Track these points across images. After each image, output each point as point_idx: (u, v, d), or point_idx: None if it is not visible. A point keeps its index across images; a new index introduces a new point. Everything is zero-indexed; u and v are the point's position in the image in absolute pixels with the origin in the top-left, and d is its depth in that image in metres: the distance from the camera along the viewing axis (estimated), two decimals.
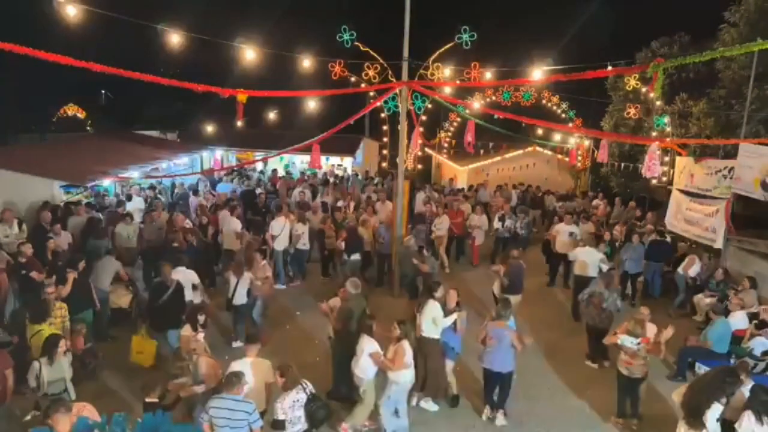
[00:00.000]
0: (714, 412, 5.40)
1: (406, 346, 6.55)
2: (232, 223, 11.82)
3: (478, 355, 7.23)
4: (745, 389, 5.83)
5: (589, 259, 10.28)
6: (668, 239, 12.23)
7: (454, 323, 7.45)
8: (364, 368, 6.55)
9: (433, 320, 7.31)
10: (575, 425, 7.34)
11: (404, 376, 6.59)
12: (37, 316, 7.02)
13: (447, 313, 7.44)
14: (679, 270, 11.15)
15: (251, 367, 5.89)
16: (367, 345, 6.52)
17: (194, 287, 8.69)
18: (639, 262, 11.47)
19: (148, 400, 5.72)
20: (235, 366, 5.85)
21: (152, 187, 15.47)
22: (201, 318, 6.91)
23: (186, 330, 6.80)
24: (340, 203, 14.53)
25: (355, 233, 11.61)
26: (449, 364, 7.56)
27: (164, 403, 5.80)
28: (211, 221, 12.28)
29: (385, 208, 13.70)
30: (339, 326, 7.50)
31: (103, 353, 8.39)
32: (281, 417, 5.39)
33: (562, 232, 12.26)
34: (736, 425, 5.36)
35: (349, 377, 7.01)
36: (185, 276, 8.56)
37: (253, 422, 5.27)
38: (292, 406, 5.45)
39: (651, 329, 7.02)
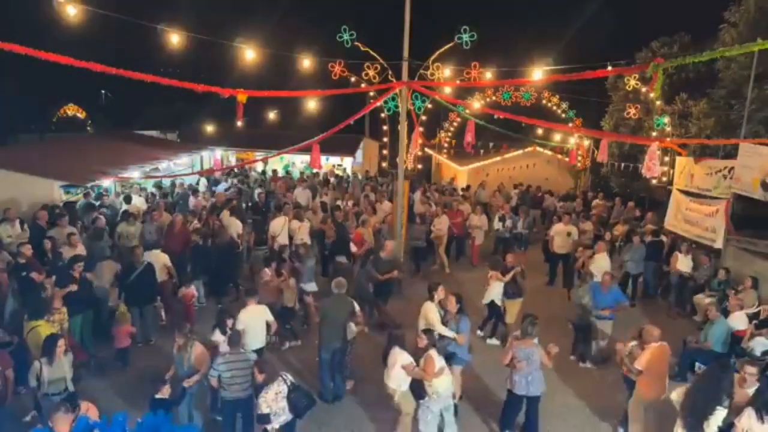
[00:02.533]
0: (717, 416, 5.38)
1: (435, 355, 6.41)
2: (233, 225, 11.82)
3: (506, 379, 6.86)
4: (750, 389, 5.79)
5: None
6: (663, 239, 12.25)
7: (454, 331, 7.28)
8: (396, 379, 6.42)
9: (426, 321, 7.34)
10: (575, 425, 7.34)
11: (442, 384, 6.40)
12: (34, 313, 7.02)
13: (446, 318, 7.36)
14: (672, 269, 11.23)
15: (254, 313, 7.35)
16: (400, 356, 6.39)
17: (168, 270, 9.54)
18: (640, 262, 11.48)
19: (158, 396, 5.91)
20: (243, 314, 7.25)
21: (159, 186, 15.47)
22: (229, 322, 6.96)
23: (216, 336, 6.91)
24: (339, 203, 14.52)
25: (344, 236, 11.56)
26: (455, 369, 7.29)
27: (172, 398, 6.03)
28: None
29: (382, 209, 13.71)
30: (322, 326, 7.61)
31: (103, 353, 8.42)
32: (266, 411, 5.56)
33: (560, 232, 12.30)
34: (736, 421, 5.35)
35: (334, 376, 7.56)
36: (157, 258, 9.47)
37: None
38: (275, 398, 5.61)
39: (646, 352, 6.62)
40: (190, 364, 6.43)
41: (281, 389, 5.69)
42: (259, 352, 7.12)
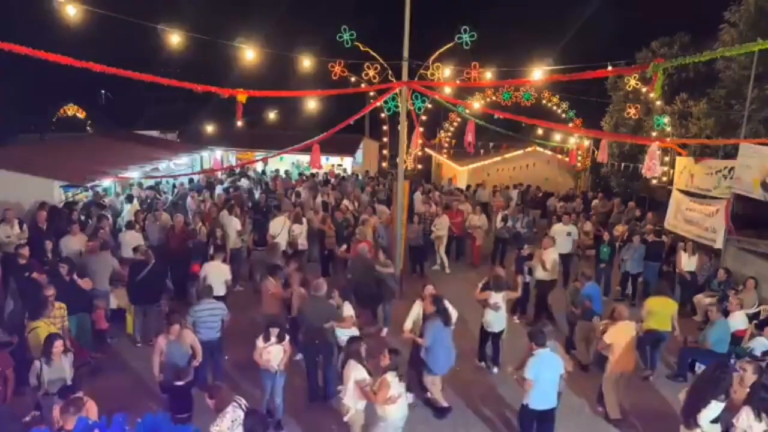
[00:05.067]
0: (710, 411, 5.38)
1: (391, 379, 5.81)
2: (232, 223, 11.83)
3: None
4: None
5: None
6: (664, 239, 12.26)
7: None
8: (351, 396, 5.97)
9: (413, 320, 7.43)
10: (575, 425, 7.33)
11: (392, 412, 5.84)
12: (33, 314, 7.00)
13: (424, 318, 7.35)
14: (677, 269, 11.24)
15: (216, 267, 9.05)
16: (354, 371, 5.94)
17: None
18: (639, 262, 11.48)
19: (179, 383, 6.12)
20: (207, 266, 9.07)
21: (151, 187, 15.41)
22: (273, 331, 6.74)
23: (259, 341, 6.73)
24: (345, 202, 14.50)
25: (343, 236, 11.56)
26: (426, 378, 7.27)
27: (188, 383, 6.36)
28: (207, 221, 12.25)
29: (381, 212, 13.71)
30: (302, 329, 7.59)
31: (103, 353, 8.42)
32: None
33: (560, 232, 12.32)
34: (734, 420, 5.36)
35: (319, 378, 7.55)
36: (132, 237, 10.38)
37: (224, 316, 7.63)
38: (231, 426, 5.16)
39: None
40: (186, 349, 6.75)
41: (237, 415, 5.21)
42: (219, 299, 8.29)
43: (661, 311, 8.29)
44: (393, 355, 5.94)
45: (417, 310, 7.50)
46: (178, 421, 5.90)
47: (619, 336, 7.13)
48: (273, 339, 6.72)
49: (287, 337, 6.84)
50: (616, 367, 7.20)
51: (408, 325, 7.46)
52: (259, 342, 6.74)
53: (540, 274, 10.26)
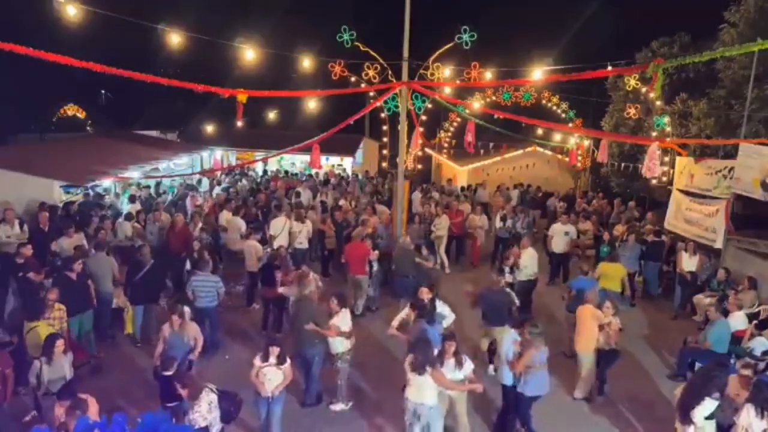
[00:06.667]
0: (704, 407, 5.39)
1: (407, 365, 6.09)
2: (237, 224, 11.84)
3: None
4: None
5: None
6: (663, 239, 12.24)
7: None
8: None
9: (400, 320, 7.57)
10: (575, 424, 7.34)
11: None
12: (31, 313, 7.01)
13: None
14: (678, 269, 11.21)
15: (249, 246, 10.20)
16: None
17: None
18: (635, 261, 11.47)
19: (166, 373, 6.10)
20: (244, 243, 10.49)
21: (146, 187, 15.36)
22: (273, 350, 6.21)
23: (257, 360, 6.32)
24: (342, 202, 14.49)
25: (343, 237, 11.65)
26: None
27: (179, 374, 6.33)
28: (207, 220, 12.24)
29: (381, 212, 13.72)
30: (293, 331, 7.49)
31: (104, 353, 8.42)
32: (203, 424, 5.46)
33: (558, 231, 12.31)
34: (735, 417, 5.37)
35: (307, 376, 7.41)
36: (126, 227, 11.17)
37: (219, 288, 8.47)
38: (209, 409, 5.52)
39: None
40: (187, 340, 6.90)
41: (212, 399, 5.57)
42: (253, 274, 10.13)
43: (612, 274, 9.83)
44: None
45: (406, 311, 7.53)
46: (167, 409, 5.94)
47: (582, 315, 7.71)
48: (272, 359, 6.18)
49: (288, 361, 6.30)
50: (575, 344, 7.82)
51: (394, 323, 7.54)
52: (257, 361, 6.26)
53: (518, 273, 10.23)
